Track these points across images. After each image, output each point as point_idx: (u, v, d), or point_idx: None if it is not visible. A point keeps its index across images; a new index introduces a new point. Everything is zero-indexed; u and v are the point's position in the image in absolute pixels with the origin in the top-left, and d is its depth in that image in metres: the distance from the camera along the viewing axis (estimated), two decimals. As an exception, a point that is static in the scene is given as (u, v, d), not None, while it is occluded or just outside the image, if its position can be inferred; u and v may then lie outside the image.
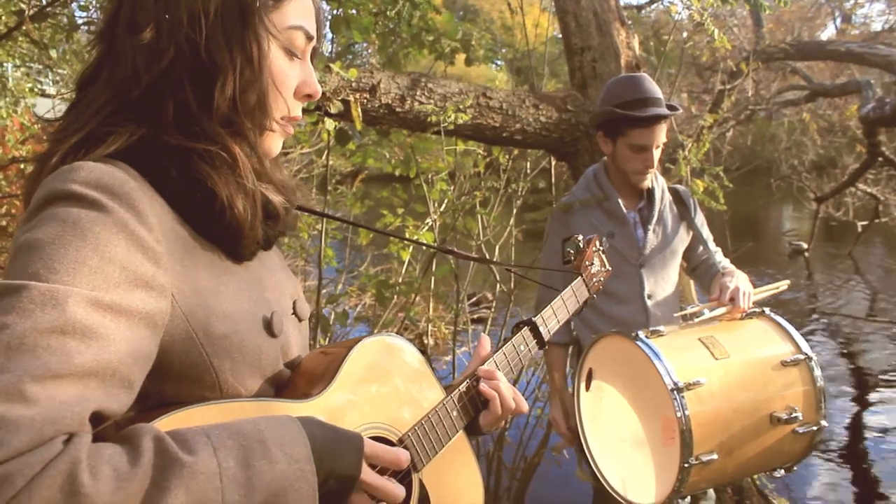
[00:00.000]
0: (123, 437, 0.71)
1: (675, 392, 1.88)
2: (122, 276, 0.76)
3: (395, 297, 4.04)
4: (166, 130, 0.88)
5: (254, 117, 0.94)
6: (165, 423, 0.79)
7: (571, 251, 1.64)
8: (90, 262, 0.74)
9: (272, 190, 0.98)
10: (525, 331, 1.37)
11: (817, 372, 2.03)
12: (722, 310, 2.18)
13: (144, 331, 0.77)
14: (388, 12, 3.26)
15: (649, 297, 2.41)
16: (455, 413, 1.14)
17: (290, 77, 0.98)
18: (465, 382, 1.20)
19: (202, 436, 0.74)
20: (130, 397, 0.76)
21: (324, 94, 2.79)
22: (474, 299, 6.63)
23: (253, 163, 0.94)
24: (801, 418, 1.97)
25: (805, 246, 11.37)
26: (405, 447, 1.04)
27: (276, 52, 0.96)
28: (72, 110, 0.92)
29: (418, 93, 3.17)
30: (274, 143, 1.01)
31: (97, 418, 0.71)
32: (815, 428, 2.01)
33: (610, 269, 1.72)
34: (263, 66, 0.93)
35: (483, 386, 1.20)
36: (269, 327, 0.94)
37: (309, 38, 0.99)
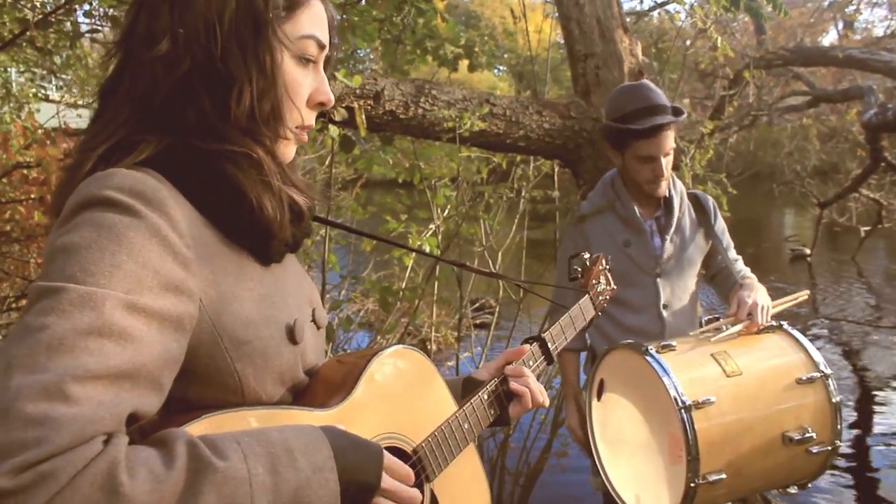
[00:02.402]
0: (157, 441, 0.73)
1: (683, 411, 1.83)
2: (154, 280, 0.78)
3: (399, 302, 4.04)
4: (190, 136, 0.90)
5: (269, 126, 0.95)
6: (195, 429, 0.81)
7: (578, 269, 1.65)
8: (125, 266, 0.76)
9: (295, 191, 0.99)
10: (534, 346, 1.39)
11: (833, 390, 1.96)
12: (739, 326, 2.10)
13: (174, 334, 0.79)
14: (394, 18, 3.27)
15: (665, 306, 2.35)
16: (467, 426, 1.16)
17: (302, 86, 0.99)
18: (494, 383, 1.26)
19: (233, 442, 0.76)
20: (161, 399, 0.78)
21: (328, 100, 2.79)
22: (477, 304, 6.63)
23: (275, 166, 0.96)
24: (814, 438, 1.91)
25: (807, 251, 11.36)
26: (419, 458, 1.06)
27: (289, 61, 0.97)
28: (97, 121, 0.94)
29: (422, 100, 3.18)
30: (288, 149, 1.02)
31: (130, 419, 0.73)
32: (829, 448, 1.95)
33: (615, 287, 1.73)
34: (277, 76, 0.95)
35: (513, 384, 1.27)
36: (291, 334, 0.96)
37: (321, 46, 1.00)
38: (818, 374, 1.97)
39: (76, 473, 0.63)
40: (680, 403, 1.84)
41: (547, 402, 1.31)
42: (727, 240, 2.49)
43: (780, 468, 1.96)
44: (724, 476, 1.85)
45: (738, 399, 1.91)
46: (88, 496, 0.63)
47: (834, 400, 1.96)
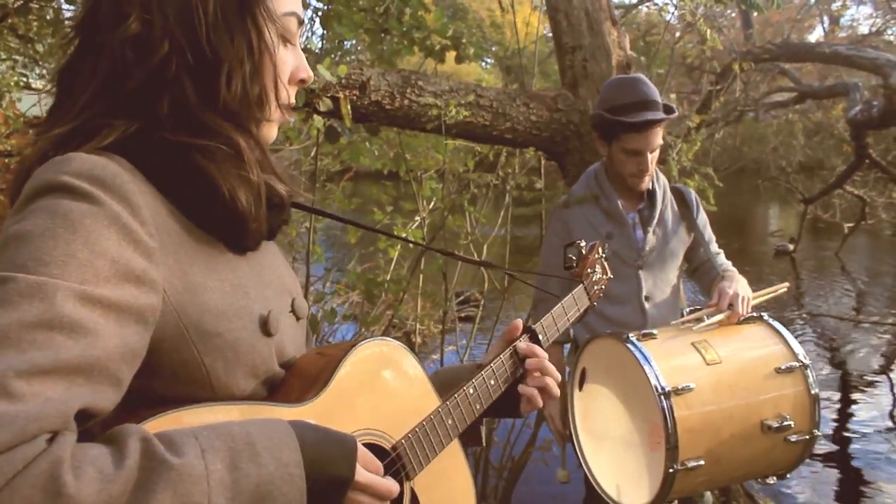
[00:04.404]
0: (109, 438, 0.70)
1: (662, 397, 1.86)
2: (112, 270, 0.74)
3: (383, 294, 4.02)
4: (162, 125, 0.86)
5: (258, 108, 0.93)
6: (154, 425, 0.77)
7: (573, 257, 1.60)
8: (80, 256, 0.72)
9: (275, 179, 0.96)
10: (524, 338, 1.34)
11: (812, 380, 2.00)
12: (720, 316, 2.14)
13: (134, 326, 0.76)
14: (376, 9, 3.24)
15: (647, 298, 2.39)
16: (451, 421, 1.12)
17: (286, 64, 0.97)
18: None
19: (190, 437, 0.72)
20: (118, 394, 0.74)
21: (313, 90, 2.77)
22: (462, 298, 6.61)
23: (256, 154, 0.92)
24: (793, 427, 1.95)
25: (791, 247, 11.41)
26: (398, 455, 1.02)
27: (275, 39, 0.93)
28: (55, 109, 0.89)
29: (409, 90, 3.15)
30: (271, 130, 1.00)
31: (83, 416, 0.70)
32: (807, 437, 1.99)
33: (611, 276, 1.68)
34: (265, 56, 0.91)
35: (522, 388, 1.25)
36: (264, 326, 0.92)
37: (300, 23, 0.98)
38: (797, 364, 2.01)
39: (15, 474, 0.60)
40: (660, 390, 1.87)
41: (557, 393, 1.28)
42: (709, 233, 2.53)
43: (760, 457, 1.99)
44: (702, 462, 1.87)
45: (717, 387, 1.95)
46: (29, 497, 0.60)
47: (812, 389, 2.00)
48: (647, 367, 1.91)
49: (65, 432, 0.66)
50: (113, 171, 0.79)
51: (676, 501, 1.99)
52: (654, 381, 1.89)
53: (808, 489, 4.05)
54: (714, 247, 2.51)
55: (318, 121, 2.91)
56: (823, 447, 4.56)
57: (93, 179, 0.77)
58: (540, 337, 1.35)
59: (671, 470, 1.84)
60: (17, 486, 0.60)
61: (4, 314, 0.66)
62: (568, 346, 2.60)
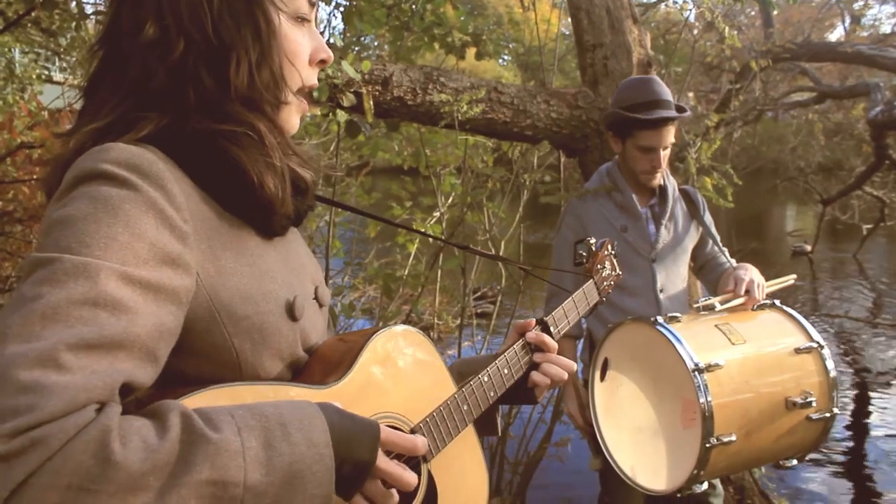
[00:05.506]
0: (151, 412, 0.73)
1: (696, 373, 1.91)
2: (150, 253, 0.78)
3: (401, 289, 4.04)
4: (191, 116, 0.90)
5: (270, 92, 0.95)
6: (189, 403, 0.80)
7: (583, 254, 1.64)
8: (121, 238, 0.76)
9: (299, 164, 0.99)
10: (536, 329, 1.37)
11: (829, 361, 2.07)
12: (737, 301, 2.21)
13: (170, 307, 0.79)
14: (402, 5, 3.26)
15: (661, 290, 2.45)
16: (466, 407, 1.15)
17: (301, 46, 0.99)
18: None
19: (226, 415, 0.75)
20: (156, 371, 0.78)
21: (336, 86, 2.80)
22: (479, 293, 6.62)
23: (276, 138, 0.95)
24: (815, 404, 2.00)
25: (808, 248, 11.34)
26: None
27: (285, 23, 0.96)
28: (85, 112, 0.93)
29: (430, 86, 3.17)
30: (291, 117, 1.02)
31: (125, 389, 0.73)
32: (828, 415, 2.04)
33: (620, 272, 1.72)
34: (273, 39, 0.94)
35: (535, 375, 1.29)
36: (290, 311, 0.95)
37: (312, 3, 1.00)
38: (814, 345, 2.08)
39: (68, 440, 0.63)
40: (694, 366, 1.92)
41: (564, 376, 1.32)
42: (713, 232, 2.61)
43: (784, 436, 2.04)
44: (734, 438, 1.92)
45: (744, 365, 2.01)
46: (80, 463, 0.63)
47: (829, 367, 2.06)
48: (678, 346, 1.96)
49: (111, 403, 0.70)
50: (149, 160, 0.83)
51: (709, 483, 2.02)
52: (687, 359, 1.93)
53: (824, 490, 4.04)
54: (719, 245, 2.59)
55: (340, 115, 2.94)
56: (839, 448, 4.55)
57: (131, 167, 0.81)
58: (551, 328, 1.39)
59: (708, 444, 1.89)
60: (70, 452, 0.63)
61: (52, 292, 0.70)
62: (582, 341, 2.63)
